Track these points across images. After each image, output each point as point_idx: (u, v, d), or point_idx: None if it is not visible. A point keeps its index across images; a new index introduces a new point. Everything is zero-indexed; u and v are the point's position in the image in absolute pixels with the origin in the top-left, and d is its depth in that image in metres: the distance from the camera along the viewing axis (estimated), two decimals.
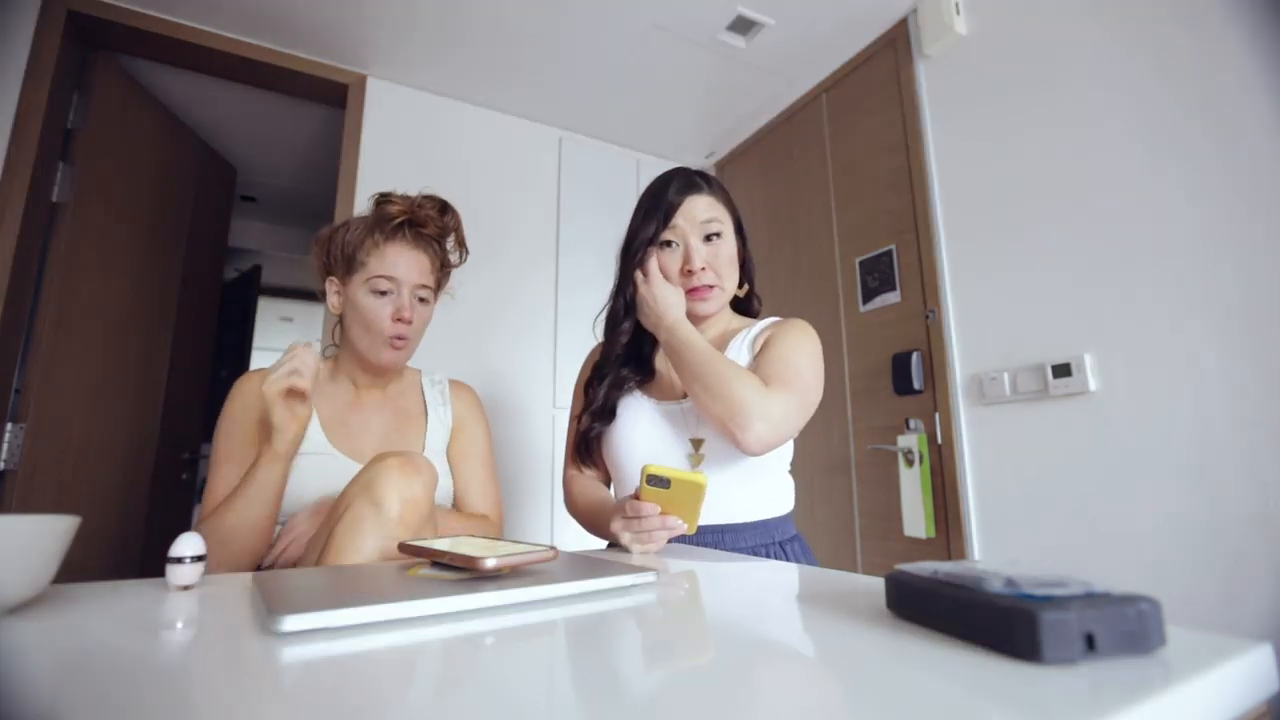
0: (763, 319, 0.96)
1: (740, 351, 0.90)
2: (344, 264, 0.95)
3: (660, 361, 0.97)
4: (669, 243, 0.91)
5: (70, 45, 1.75)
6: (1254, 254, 1.12)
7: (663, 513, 0.70)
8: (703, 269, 0.88)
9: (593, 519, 0.91)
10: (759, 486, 0.88)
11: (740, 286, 0.97)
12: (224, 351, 3.04)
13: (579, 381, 1.04)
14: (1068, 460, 1.37)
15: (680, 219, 0.89)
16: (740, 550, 0.85)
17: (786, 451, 0.91)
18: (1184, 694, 0.26)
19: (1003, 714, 0.25)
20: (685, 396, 0.89)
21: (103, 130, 1.87)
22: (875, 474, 1.81)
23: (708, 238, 0.89)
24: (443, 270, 1.04)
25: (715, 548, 0.84)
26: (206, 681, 0.31)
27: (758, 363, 0.86)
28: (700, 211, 0.89)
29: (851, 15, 1.87)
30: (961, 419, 1.60)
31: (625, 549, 0.74)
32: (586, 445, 0.95)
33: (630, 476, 0.90)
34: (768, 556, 0.85)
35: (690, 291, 0.90)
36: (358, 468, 0.89)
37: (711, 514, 0.85)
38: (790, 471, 0.95)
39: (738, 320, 0.99)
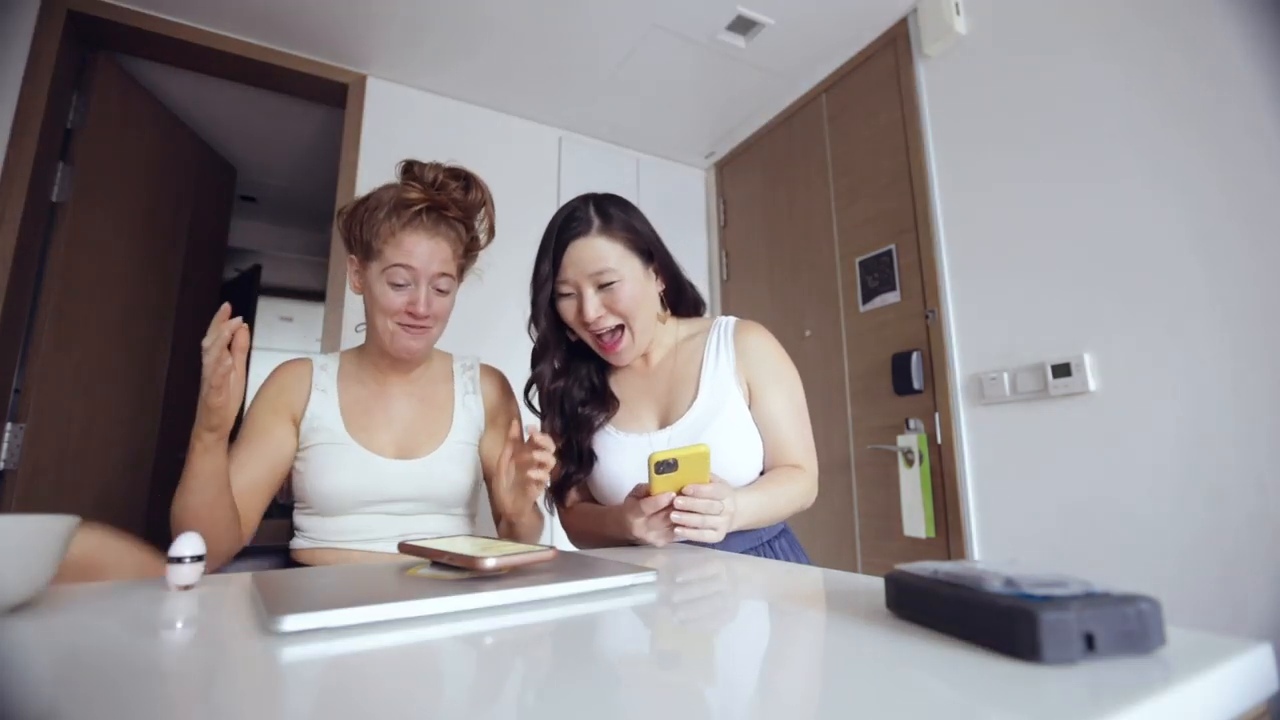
0: (714, 317, 0.97)
1: (716, 364, 0.90)
2: (362, 248, 0.91)
3: (615, 386, 0.96)
4: (566, 293, 0.89)
5: (70, 45, 1.75)
6: (1253, 254, 1.12)
7: (679, 492, 0.71)
8: (599, 317, 0.86)
9: (600, 528, 0.88)
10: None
11: (672, 303, 0.98)
12: None
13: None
14: (1067, 460, 1.37)
15: (569, 269, 0.87)
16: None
17: (758, 462, 0.90)
18: (1184, 694, 0.26)
19: (1002, 714, 0.25)
20: (655, 426, 0.91)
21: (102, 130, 1.87)
22: (875, 474, 1.81)
23: (601, 286, 0.86)
24: (467, 255, 0.98)
25: None
26: (206, 681, 0.31)
27: (763, 412, 0.89)
28: (588, 263, 0.86)
29: (851, 15, 1.87)
30: (961, 419, 1.60)
31: (650, 544, 0.76)
32: (566, 488, 0.95)
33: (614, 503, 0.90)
34: (761, 554, 0.87)
35: (598, 341, 0.89)
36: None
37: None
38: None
39: (685, 326, 0.98)
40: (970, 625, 0.32)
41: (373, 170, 2.03)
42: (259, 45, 1.95)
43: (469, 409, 1.01)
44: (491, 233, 1.02)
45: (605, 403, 0.94)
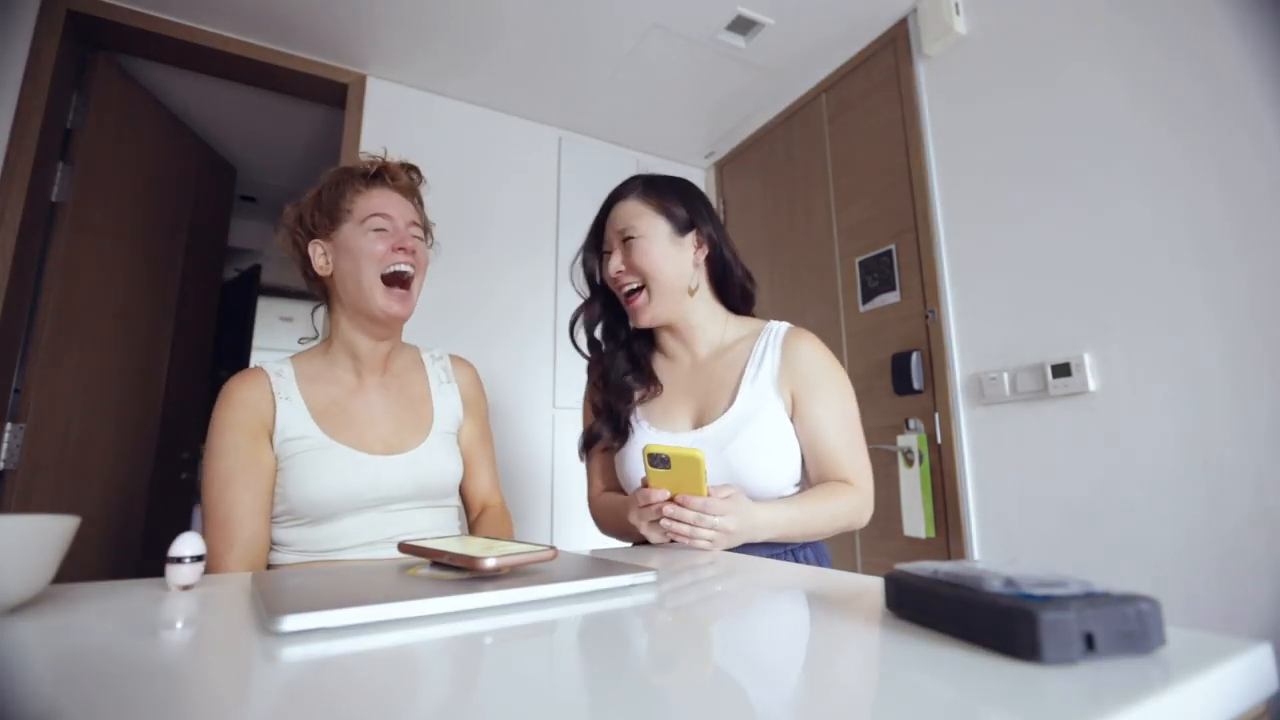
0: (767, 321, 0.95)
1: (758, 371, 0.88)
2: (328, 220, 0.91)
3: (660, 374, 0.98)
4: (606, 251, 0.95)
5: (70, 45, 1.75)
6: (1254, 253, 1.12)
7: (672, 496, 0.71)
8: (620, 272, 0.91)
9: (619, 519, 0.92)
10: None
11: (717, 289, 0.96)
12: (223, 351, 3.04)
13: (586, 400, 1.05)
14: (1067, 460, 1.37)
15: (608, 230, 0.95)
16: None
17: (795, 474, 0.89)
18: (1183, 694, 0.26)
19: (1002, 714, 0.25)
20: (689, 427, 0.91)
21: (102, 130, 1.87)
22: (875, 474, 1.80)
23: (625, 241, 0.91)
24: (425, 230, 1.01)
25: None
26: (206, 681, 0.31)
27: (807, 425, 0.87)
28: (619, 219, 0.93)
29: (851, 15, 1.87)
30: (961, 419, 1.60)
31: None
32: (592, 444, 0.98)
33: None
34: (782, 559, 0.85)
35: (626, 300, 0.93)
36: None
37: None
38: (799, 486, 0.92)
39: (735, 325, 0.96)
40: (970, 625, 0.32)
41: None
42: (259, 45, 1.95)
43: (447, 399, 1.01)
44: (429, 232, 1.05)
45: (647, 380, 0.96)
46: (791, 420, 0.88)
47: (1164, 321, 1.23)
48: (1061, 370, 1.38)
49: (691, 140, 2.58)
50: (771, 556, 0.85)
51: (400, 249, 0.90)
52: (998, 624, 0.30)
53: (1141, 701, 0.24)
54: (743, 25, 1.91)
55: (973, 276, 1.61)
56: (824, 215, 2.10)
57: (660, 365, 0.99)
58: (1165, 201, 1.24)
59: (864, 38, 1.97)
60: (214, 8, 1.81)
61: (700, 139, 2.57)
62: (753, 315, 1.00)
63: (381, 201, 0.92)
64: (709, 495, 0.70)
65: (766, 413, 0.86)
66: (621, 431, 0.94)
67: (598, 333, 1.02)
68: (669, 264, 0.90)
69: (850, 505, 0.85)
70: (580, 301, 1.03)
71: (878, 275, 1.88)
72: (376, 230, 0.90)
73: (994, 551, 1.50)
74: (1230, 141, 1.16)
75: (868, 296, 1.90)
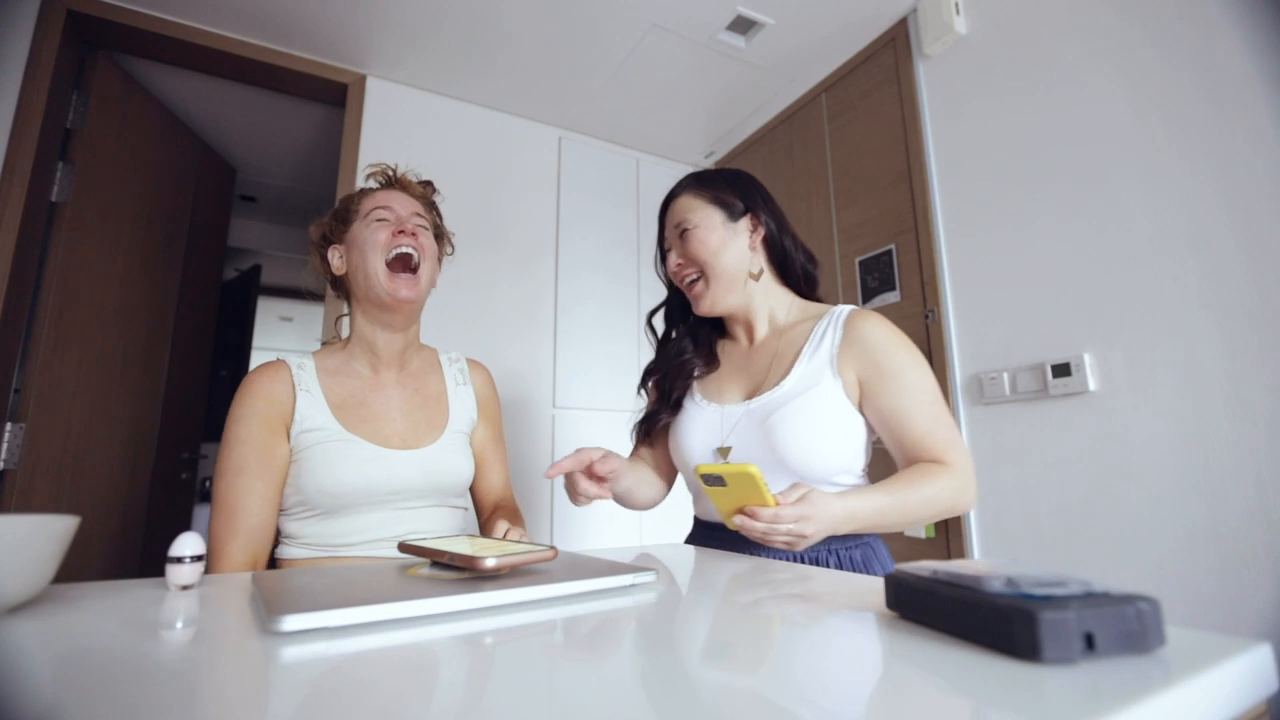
0: (826, 305, 0.94)
1: (817, 349, 0.86)
2: (341, 225, 0.98)
3: (722, 355, 1.00)
4: (667, 249, 0.98)
5: (70, 45, 1.75)
6: (1254, 253, 1.12)
7: (737, 509, 0.69)
8: (679, 265, 0.93)
9: (629, 495, 0.97)
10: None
11: (778, 270, 0.96)
12: (223, 351, 3.04)
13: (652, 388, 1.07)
14: (1067, 460, 1.37)
15: (666, 228, 0.97)
16: (788, 555, 0.80)
17: (849, 461, 0.84)
18: (1183, 694, 0.26)
19: (1002, 714, 0.25)
20: (740, 399, 0.91)
21: (102, 130, 1.87)
22: (875, 474, 1.81)
23: (681, 235, 0.93)
24: (436, 231, 1.05)
25: (758, 550, 0.81)
26: (206, 681, 0.31)
27: (880, 408, 0.82)
28: (674, 215, 0.95)
29: (851, 15, 1.87)
30: (961, 419, 1.60)
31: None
32: (650, 427, 1.00)
33: (686, 471, 0.95)
34: (822, 564, 0.80)
35: (685, 289, 0.96)
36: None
37: None
38: (864, 475, 0.88)
39: (799, 308, 0.95)
40: (970, 625, 0.32)
41: None
42: (259, 45, 1.95)
43: (462, 400, 1.04)
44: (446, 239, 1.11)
45: (708, 359, 0.98)
46: (860, 409, 0.84)
47: (1164, 321, 1.23)
48: (1061, 370, 1.38)
49: (691, 140, 2.58)
50: (812, 561, 0.80)
51: (400, 233, 0.94)
52: (998, 624, 0.30)
53: (1141, 701, 0.24)
54: (743, 25, 1.91)
55: (973, 276, 1.61)
56: (824, 215, 2.10)
57: (723, 347, 1.01)
58: (1165, 201, 1.24)
59: (864, 38, 1.97)
60: (214, 8, 1.81)
61: (700, 139, 2.57)
62: (820, 300, 0.99)
63: (384, 197, 0.98)
64: (776, 504, 0.67)
65: (820, 390, 0.82)
66: (676, 405, 0.97)
67: (658, 321, 1.06)
68: (726, 250, 0.91)
69: (947, 487, 0.77)
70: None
71: (878, 275, 1.88)
72: (379, 220, 0.95)
73: (994, 551, 1.50)
74: (1230, 141, 1.16)
75: (868, 296, 1.90)
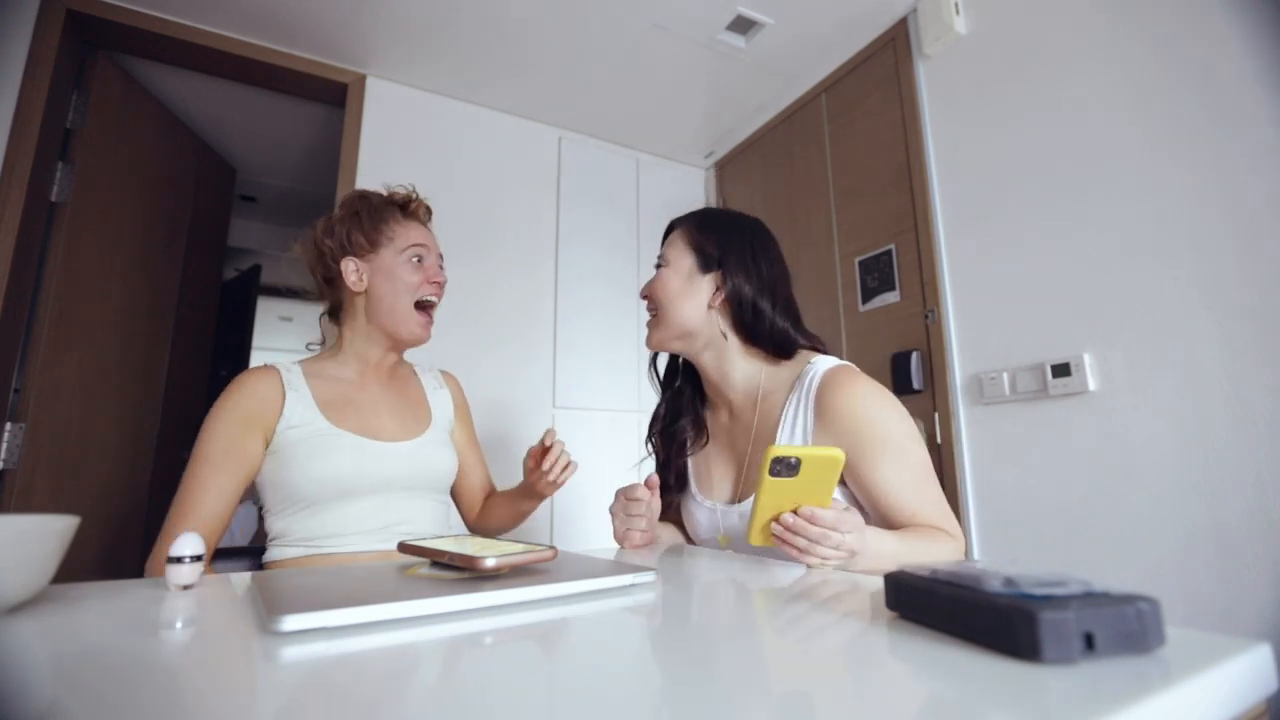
0: (810, 359, 0.87)
1: (792, 432, 0.81)
2: (367, 242, 0.99)
3: (710, 423, 0.98)
4: None
5: (70, 45, 1.75)
6: (1254, 253, 1.12)
7: (783, 511, 0.62)
8: (644, 294, 0.95)
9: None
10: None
11: (746, 333, 0.89)
12: (223, 351, 3.04)
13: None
14: (1067, 460, 1.37)
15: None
16: None
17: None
18: (1183, 693, 0.26)
19: (1002, 713, 0.25)
20: (729, 494, 0.90)
21: (102, 130, 1.87)
22: None
23: (656, 265, 0.95)
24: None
25: None
26: (206, 681, 0.31)
27: (864, 485, 0.77)
28: (666, 241, 0.96)
29: (851, 15, 1.87)
30: (961, 419, 1.60)
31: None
32: (668, 508, 0.98)
33: (698, 542, 0.93)
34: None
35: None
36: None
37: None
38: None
39: (770, 374, 0.89)
40: (970, 625, 0.32)
41: (372, 170, 2.03)
42: (259, 45, 1.95)
43: (441, 403, 1.11)
44: None
45: (699, 429, 0.97)
46: (843, 482, 0.80)
47: (1164, 322, 1.23)
48: (1061, 370, 1.38)
49: (691, 140, 2.58)
50: None
51: (434, 282, 1.01)
52: (998, 624, 0.30)
53: (1141, 701, 0.24)
54: (743, 25, 1.91)
55: (973, 276, 1.61)
56: (824, 215, 2.10)
57: (709, 416, 0.99)
58: (1165, 201, 1.24)
59: (864, 38, 1.97)
60: (214, 7, 1.81)
61: (700, 139, 2.57)
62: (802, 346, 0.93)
63: (419, 234, 1.02)
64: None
65: None
66: (678, 481, 0.96)
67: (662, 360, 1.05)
68: (680, 299, 0.89)
69: (948, 550, 0.74)
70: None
71: (877, 275, 1.88)
72: (415, 260, 1.00)
73: (994, 551, 1.50)
74: (1230, 141, 1.16)
75: (867, 296, 1.90)
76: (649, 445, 1.04)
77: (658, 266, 0.94)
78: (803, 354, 0.90)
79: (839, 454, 0.59)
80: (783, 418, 0.83)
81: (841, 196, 2.04)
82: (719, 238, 0.91)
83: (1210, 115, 1.19)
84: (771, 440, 0.83)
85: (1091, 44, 1.38)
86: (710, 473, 0.93)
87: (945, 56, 1.73)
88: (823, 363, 0.84)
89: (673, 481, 0.96)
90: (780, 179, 2.32)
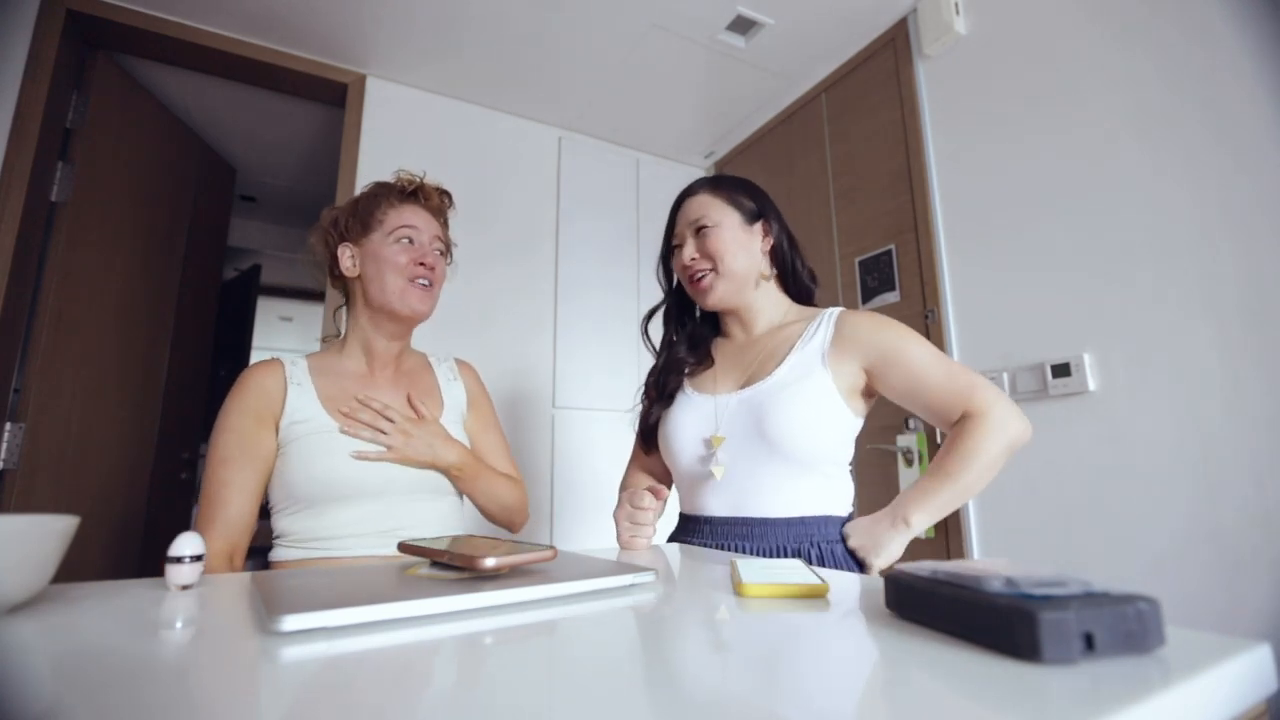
0: (821, 308, 0.96)
1: (808, 343, 0.89)
2: (360, 227, 0.99)
3: (716, 353, 1.01)
4: (676, 245, 1.00)
5: (69, 45, 1.75)
6: (1254, 253, 1.12)
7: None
8: (693, 259, 0.95)
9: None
10: (795, 482, 0.86)
11: (774, 271, 0.98)
12: (223, 351, 3.04)
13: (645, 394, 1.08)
14: (1067, 460, 1.37)
15: (678, 224, 0.99)
16: (771, 548, 0.83)
17: (836, 450, 0.88)
18: (1183, 693, 0.26)
19: (1002, 714, 0.25)
20: (726, 389, 0.93)
21: (102, 130, 1.87)
22: (875, 474, 1.81)
23: (697, 231, 0.95)
24: (445, 250, 1.08)
25: (744, 542, 0.84)
26: (206, 681, 0.31)
27: (896, 385, 0.84)
28: (690, 212, 0.97)
29: (851, 15, 1.87)
30: None
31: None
32: (649, 429, 1.01)
33: (676, 464, 0.95)
34: (805, 558, 0.82)
35: (693, 285, 0.96)
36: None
37: (740, 507, 0.86)
38: (851, 471, 0.93)
39: (794, 311, 0.98)
40: (970, 625, 0.32)
41: (373, 170, 2.03)
42: (259, 45, 1.95)
43: (454, 393, 1.08)
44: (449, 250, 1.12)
45: (701, 356, 1.00)
46: (864, 396, 0.89)
47: (1164, 321, 1.23)
48: (1061, 370, 1.38)
49: (691, 140, 2.58)
50: (788, 552, 0.83)
51: (421, 263, 0.98)
52: (997, 624, 0.30)
53: (1141, 701, 0.24)
54: (743, 25, 1.91)
55: (973, 276, 1.61)
56: (824, 215, 2.10)
57: (718, 344, 1.03)
58: (1165, 201, 1.24)
59: (864, 38, 1.97)
60: (214, 8, 1.81)
61: (700, 139, 2.57)
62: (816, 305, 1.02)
63: (410, 216, 1.00)
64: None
65: (811, 381, 0.85)
66: (668, 398, 0.98)
67: (655, 326, 1.07)
68: (740, 249, 0.94)
69: (986, 435, 0.77)
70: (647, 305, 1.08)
71: (878, 275, 1.88)
72: (402, 242, 0.98)
73: (993, 551, 1.50)
74: (1233, 142, 1.16)
75: (868, 296, 1.90)
76: (642, 393, 1.05)
77: (700, 230, 0.95)
78: (819, 309, 0.98)
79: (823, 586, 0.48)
80: (802, 336, 0.91)
81: (841, 196, 2.04)
82: (747, 192, 0.98)
83: (1210, 116, 1.19)
84: (786, 354, 0.89)
85: (1091, 44, 1.38)
86: (715, 378, 0.96)
87: (945, 57, 1.73)
88: (837, 307, 0.94)
89: (662, 395, 0.99)
90: (780, 179, 2.32)
